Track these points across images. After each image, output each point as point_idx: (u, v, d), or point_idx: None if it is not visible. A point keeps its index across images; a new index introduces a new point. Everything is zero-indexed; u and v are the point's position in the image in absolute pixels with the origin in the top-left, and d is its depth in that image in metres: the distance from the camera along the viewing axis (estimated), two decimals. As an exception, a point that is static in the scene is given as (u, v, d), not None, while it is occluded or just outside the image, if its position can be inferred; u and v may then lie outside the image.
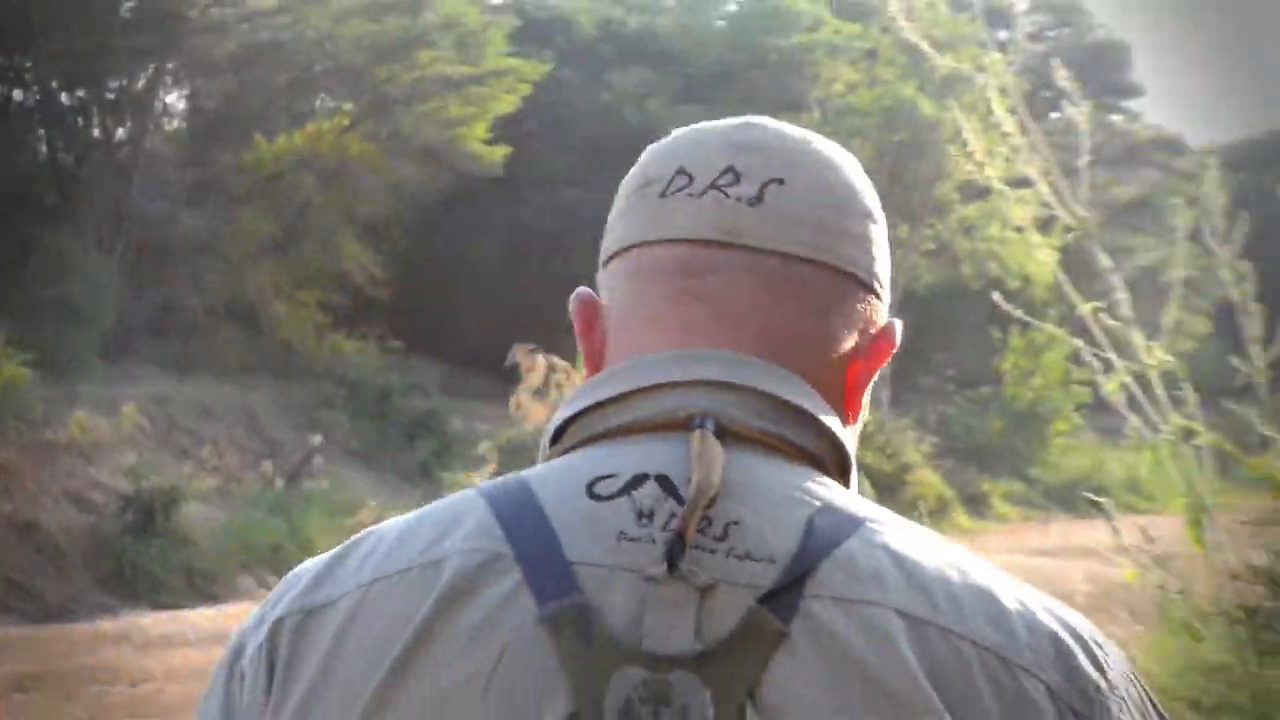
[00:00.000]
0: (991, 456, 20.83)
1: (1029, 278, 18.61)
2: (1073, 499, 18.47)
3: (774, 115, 0.80)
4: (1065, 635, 0.63)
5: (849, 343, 0.71)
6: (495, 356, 10.60)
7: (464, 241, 15.67)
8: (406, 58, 14.83)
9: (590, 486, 0.63)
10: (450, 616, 0.60)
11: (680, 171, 0.71)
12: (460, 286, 15.51)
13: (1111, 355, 2.56)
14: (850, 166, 0.75)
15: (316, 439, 14.51)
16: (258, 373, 14.23)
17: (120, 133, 15.03)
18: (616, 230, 0.74)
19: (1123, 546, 2.65)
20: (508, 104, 15.46)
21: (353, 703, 0.59)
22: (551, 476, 0.65)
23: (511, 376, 10.30)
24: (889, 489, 17.55)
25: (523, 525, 0.61)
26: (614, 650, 0.57)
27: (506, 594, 0.59)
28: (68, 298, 13.17)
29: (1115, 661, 0.65)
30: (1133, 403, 2.58)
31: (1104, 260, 2.57)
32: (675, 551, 0.58)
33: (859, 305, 0.71)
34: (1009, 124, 2.51)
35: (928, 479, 18.83)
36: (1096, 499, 2.91)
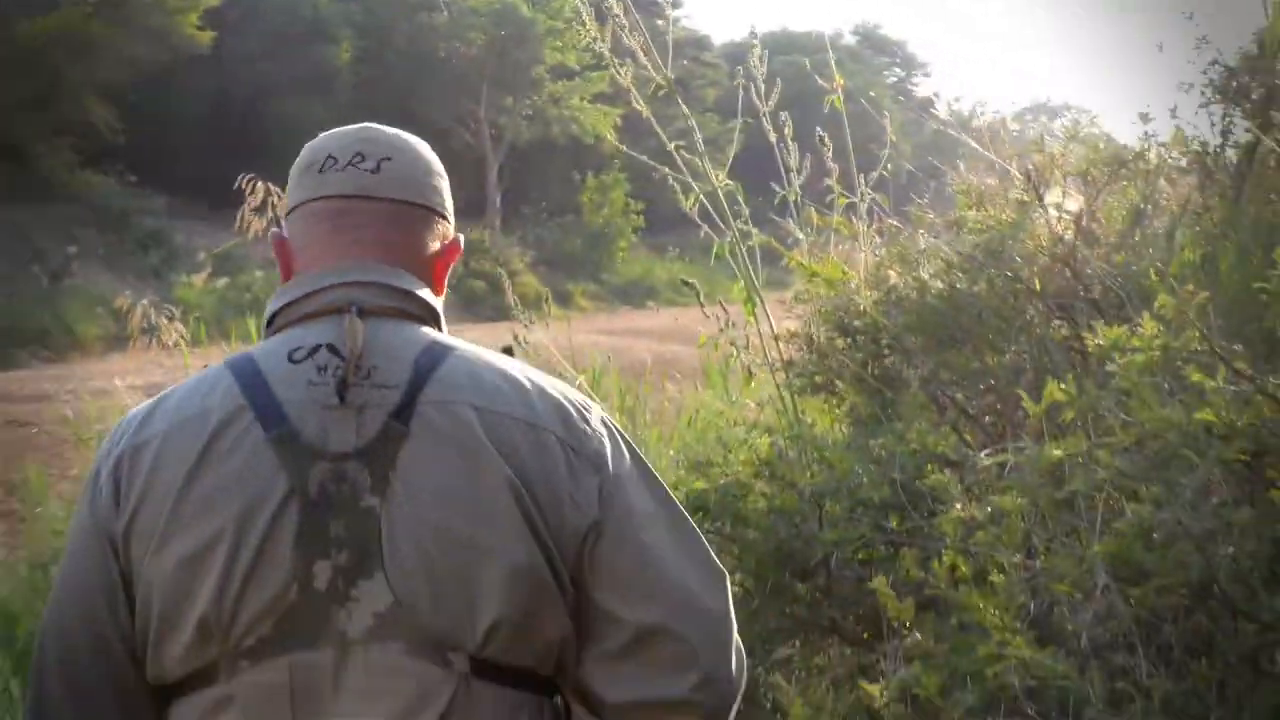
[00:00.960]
0: (574, 265, 25.65)
1: (599, 136, 22.61)
2: (633, 295, 24.67)
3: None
4: (565, 403, 1.03)
5: (434, 248, 1.12)
6: (208, 187, 14.01)
7: (182, 101, 19.83)
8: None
9: (289, 355, 1.01)
10: (216, 445, 0.98)
11: (329, 156, 1.09)
12: (180, 135, 19.70)
13: (690, 179, 3.09)
14: (426, 149, 1.14)
15: (73, 249, 17.97)
16: (25, 200, 17.32)
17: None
18: (294, 195, 1.11)
19: (714, 324, 3.28)
20: (214, -1, 19.81)
21: (166, 499, 0.97)
22: (267, 350, 1.04)
23: (219, 204, 10.64)
24: (500, 289, 22.70)
25: (251, 386, 1.00)
26: (310, 452, 0.95)
27: (246, 428, 0.98)
28: None
29: (594, 414, 1.04)
30: (705, 214, 3.11)
31: (655, 124, 3.14)
32: (341, 390, 0.96)
33: (438, 227, 1.13)
34: (589, 25, 3.02)
35: (529, 281, 19.95)
36: (690, 283, 3.43)
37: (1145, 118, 2.55)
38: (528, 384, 1.06)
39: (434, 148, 1.17)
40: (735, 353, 3.42)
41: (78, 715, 1.04)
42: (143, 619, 1.02)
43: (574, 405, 1.07)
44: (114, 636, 1.03)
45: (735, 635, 1.07)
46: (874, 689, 1.69)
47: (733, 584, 1.15)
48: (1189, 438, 1.57)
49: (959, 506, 1.73)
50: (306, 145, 1.15)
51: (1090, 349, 1.88)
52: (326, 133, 1.15)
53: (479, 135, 25.33)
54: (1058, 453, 1.66)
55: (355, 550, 0.98)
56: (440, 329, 1.10)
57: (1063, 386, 1.67)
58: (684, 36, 30.69)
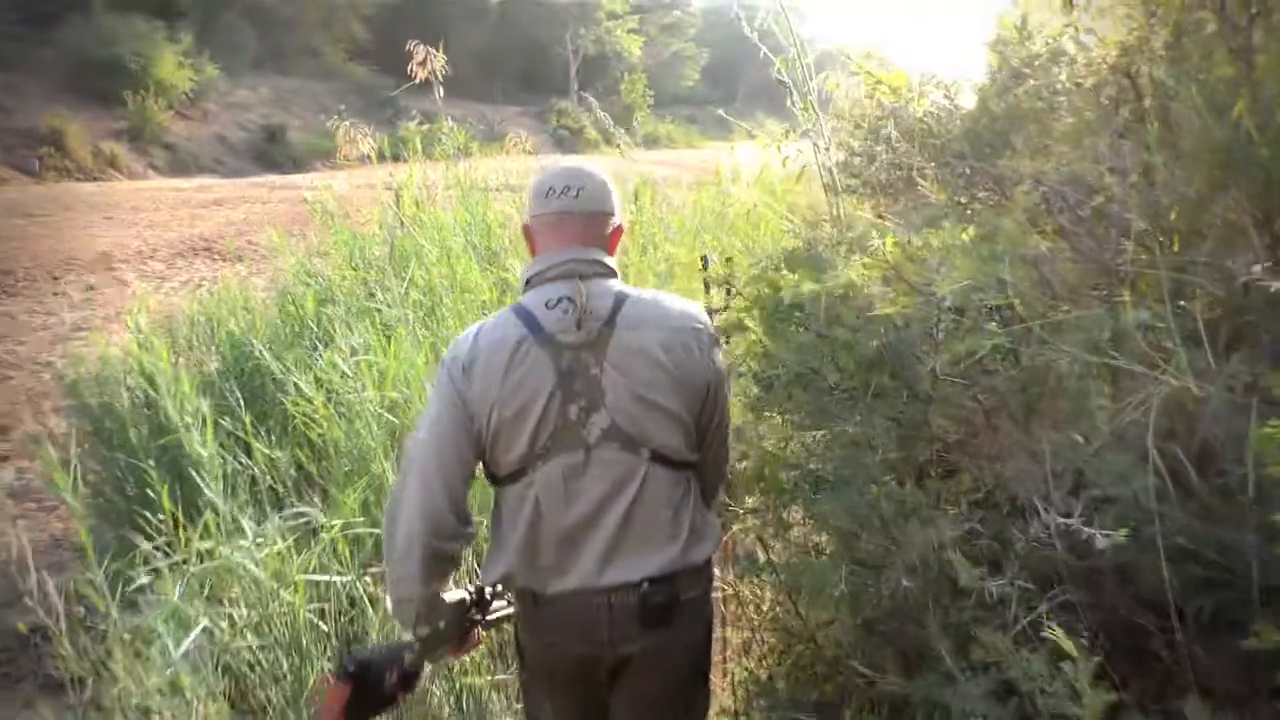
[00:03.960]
0: (616, 123, 32.19)
1: (630, 52, 44.09)
2: (651, 143, 27.41)
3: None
4: (693, 313, 1.97)
5: (608, 232, 1.98)
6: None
7: (56, 44, 22.53)
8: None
9: (545, 303, 1.89)
10: (516, 353, 1.86)
11: (551, 187, 1.96)
12: (48, 73, 22.26)
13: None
14: (604, 176, 1.99)
15: (343, 107, 21.80)
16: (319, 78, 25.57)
17: None
18: (533, 208, 1.97)
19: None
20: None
21: (493, 383, 1.86)
22: (532, 301, 1.91)
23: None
24: (578, 134, 32.66)
25: (528, 321, 1.88)
26: (562, 347, 1.87)
27: (530, 344, 1.87)
28: None
29: (708, 320, 2.01)
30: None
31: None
32: (577, 321, 1.87)
33: (610, 221, 1.98)
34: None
35: (591, 133, 30.62)
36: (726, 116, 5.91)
37: None
38: (673, 304, 1.96)
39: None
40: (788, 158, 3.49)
41: (444, 485, 1.84)
42: (485, 442, 1.88)
43: (697, 314, 1.98)
44: (465, 445, 1.87)
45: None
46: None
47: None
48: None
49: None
50: (538, 177, 2.03)
51: None
52: (552, 170, 2.01)
53: (564, 48, 42.20)
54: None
55: (589, 397, 1.85)
56: (617, 276, 1.97)
57: None
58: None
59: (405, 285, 4.24)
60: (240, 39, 29.75)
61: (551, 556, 1.86)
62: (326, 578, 2.62)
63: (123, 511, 3.34)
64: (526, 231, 2.00)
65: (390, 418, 2.82)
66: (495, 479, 1.92)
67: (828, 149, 3.15)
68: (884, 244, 2.11)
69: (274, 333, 4.22)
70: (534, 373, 1.83)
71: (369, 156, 5.58)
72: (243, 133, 27.24)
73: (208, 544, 2.51)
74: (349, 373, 2.83)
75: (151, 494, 2.62)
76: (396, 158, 6.08)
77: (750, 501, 2.46)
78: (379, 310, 3.80)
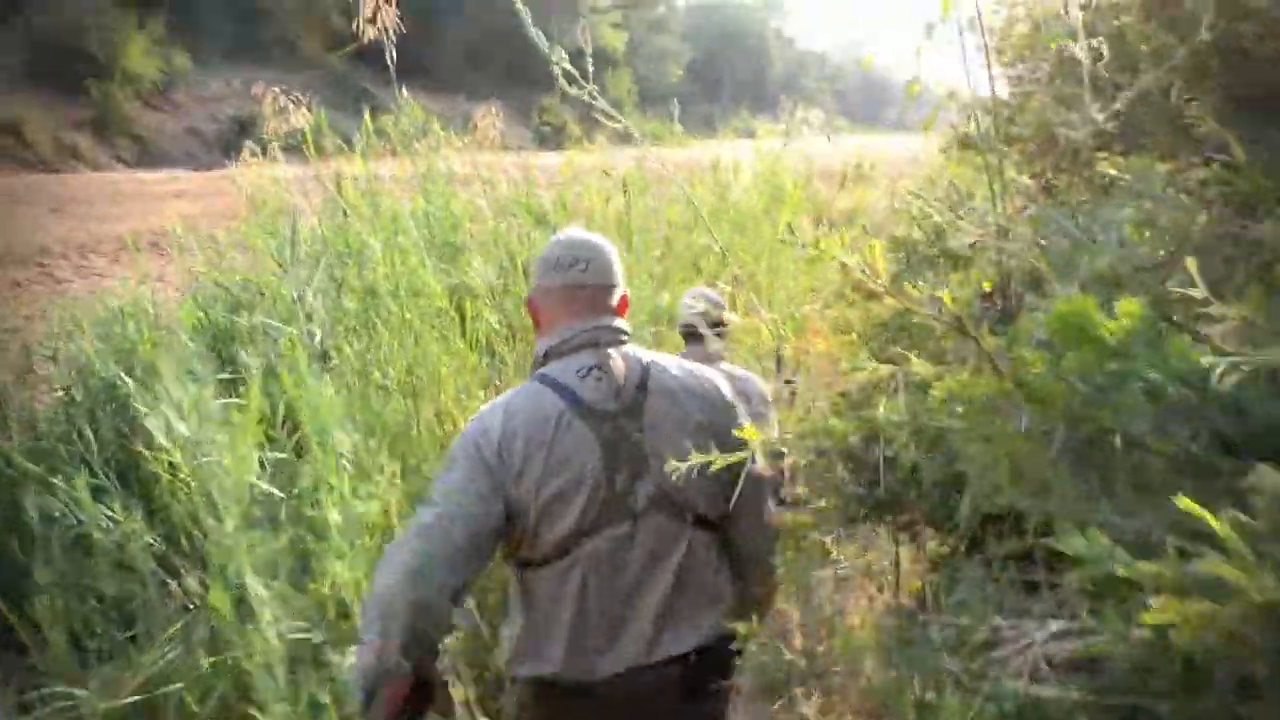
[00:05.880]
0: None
1: (615, 48, 28.59)
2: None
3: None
4: (719, 381, 2.01)
5: (615, 302, 1.98)
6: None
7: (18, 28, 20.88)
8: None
9: (576, 372, 1.88)
10: (559, 429, 1.83)
11: (560, 259, 1.96)
12: (8, 60, 20.85)
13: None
14: (610, 246, 2.02)
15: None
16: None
17: None
18: (542, 279, 1.97)
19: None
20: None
21: (538, 460, 1.80)
22: (561, 371, 1.89)
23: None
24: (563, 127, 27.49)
25: (564, 392, 1.86)
26: (602, 419, 1.85)
27: (570, 417, 1.84)
28: None
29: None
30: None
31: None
32: (616, 390, 1.88)
33: (616, 291, 1.98)
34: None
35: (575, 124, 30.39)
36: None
37: None
38: (693, 369, 1.99)
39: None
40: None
41: (448, 562, 1.69)
42: (525, 524, 1.81)
43: (722, 381, 2.02)
44: (484, 529, 1.75)
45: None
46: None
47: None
48: None
49: None
50: (548, 247, 2.02)
51: None
52: (560, 241, 2.01)
53: (550, 40, 41.22)
54: None
55: (633, 465, 1.84)
56: (630, 342, 2.01)
57: None
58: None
59: (338, 288, 3.39)
60: (214, 28, 28.83)
61: (602, 638, 1.81)
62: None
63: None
64: (531, 304, 2.00)
65: (265, 487, 1.98)
66: (528, 564, 1.86)
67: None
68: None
69: (173, 349, 3.36)
70: (581, 446, 1.82)
71: (303, 133, 4.70)
72: (214, 124, 26.32)
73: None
74: (210, 417, 1.99)
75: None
76: (348, 141, 5.24)
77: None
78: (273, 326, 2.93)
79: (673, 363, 1.96)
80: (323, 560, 1.88)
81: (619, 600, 1.80)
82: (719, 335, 2.90)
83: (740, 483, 1.66)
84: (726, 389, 1.97)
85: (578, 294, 1.91)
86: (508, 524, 1.78)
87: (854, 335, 1.46)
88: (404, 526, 1.96)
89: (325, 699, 1.81)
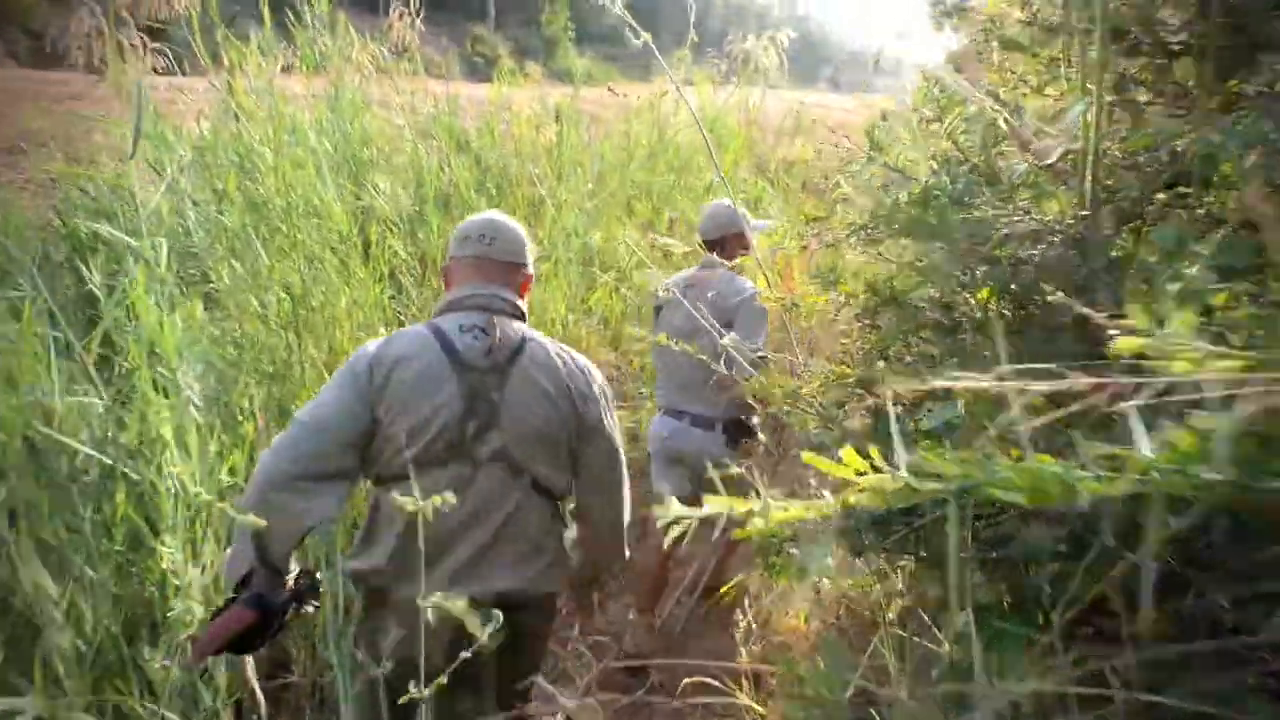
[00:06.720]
0: (533, 56, 33.43)
1: None
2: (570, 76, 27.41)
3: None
4: (596, 373, 2.32)
5: (519, 280, 2.32)
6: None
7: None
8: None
9: (460, 326, 2.19)
10: (428, 365, 2.11)
11: (470, 234, 2.30)
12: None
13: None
14: (518, 229, 2.36)
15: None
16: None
17: None
18: (455, 250, 2.31)
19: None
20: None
21: (402, 388, 2.09)
22: (447, 322, 2.20)
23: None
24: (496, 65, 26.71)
25: (443, 339, 2.15)
26: (468, 370, 2.13)
27: (443, 359, 2.12)
28: None
29: (595, 375, 2.32)
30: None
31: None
32: (487, 349, 2.16)
33: (522, 270, 2.33)
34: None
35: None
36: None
37: None
38: (572, 356, 2.24)
39: None
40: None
41: (315, 464, 1.94)
42: (378, 435, 2.03)
43: (593, 371, 2.27)
44: (351, 436, 2.00)
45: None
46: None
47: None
48: None
49: None
50: (463, 225, 2.33)
51: None
52: (475, 221, 2.32)
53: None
54: None
55: (485, 418, 2.07)
56: (524, 319, 2.28)
57: None
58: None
59: (219, 200, 2.93)
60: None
61: (418, 559, 1.94)
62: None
63: None
64: (444, 272, 2.32)
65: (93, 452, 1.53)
66: (379, 480, 2.07)
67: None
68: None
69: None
70: (443, 387, 2.06)
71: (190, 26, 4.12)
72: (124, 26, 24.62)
73: None
74: None
75: None
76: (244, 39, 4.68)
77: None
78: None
79: (552, 346, 2.21)
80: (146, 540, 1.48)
81: (444, 531, 2.02)
82: (744, 248, 3.38)
83: (591, 464, 2.17)
84: (596, 381, 2.24)
85: (482, 264, 2.24)
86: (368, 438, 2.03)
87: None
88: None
89: None
